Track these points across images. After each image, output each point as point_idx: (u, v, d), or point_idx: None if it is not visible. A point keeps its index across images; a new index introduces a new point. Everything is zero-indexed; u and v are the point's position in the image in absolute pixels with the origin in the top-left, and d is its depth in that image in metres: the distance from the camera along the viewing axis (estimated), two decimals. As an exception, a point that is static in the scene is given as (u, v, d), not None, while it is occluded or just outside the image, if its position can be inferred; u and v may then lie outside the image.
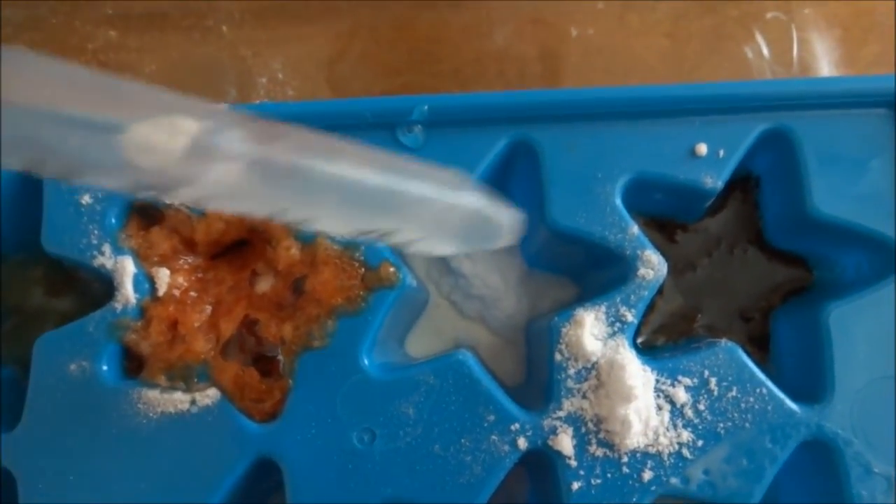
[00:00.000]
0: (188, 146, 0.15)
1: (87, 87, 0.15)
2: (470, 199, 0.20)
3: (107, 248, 0.26)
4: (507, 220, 0.21)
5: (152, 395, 0.25)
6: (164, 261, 0.26)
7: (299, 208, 0.18)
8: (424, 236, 0.20)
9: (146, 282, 0.26)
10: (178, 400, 0.25)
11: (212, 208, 0.17)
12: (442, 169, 0.20)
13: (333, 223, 0.19)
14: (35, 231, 0.26)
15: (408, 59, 0.34)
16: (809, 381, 0.25)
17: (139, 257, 0.26)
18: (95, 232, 0.26)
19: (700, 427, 0.24)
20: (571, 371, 0.25)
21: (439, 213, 0.19)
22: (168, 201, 0.16)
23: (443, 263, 0.30)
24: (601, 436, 0.24)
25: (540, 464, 0.26)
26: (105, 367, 0.25)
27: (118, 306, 0.26)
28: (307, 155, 0.17)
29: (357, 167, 0.18)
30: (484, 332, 0.30)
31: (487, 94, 0.27)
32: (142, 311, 0.26)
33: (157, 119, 0.15)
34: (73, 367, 0.25)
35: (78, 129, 0.14)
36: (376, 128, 0.26)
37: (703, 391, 0.24)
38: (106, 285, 0.26)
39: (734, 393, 0.24)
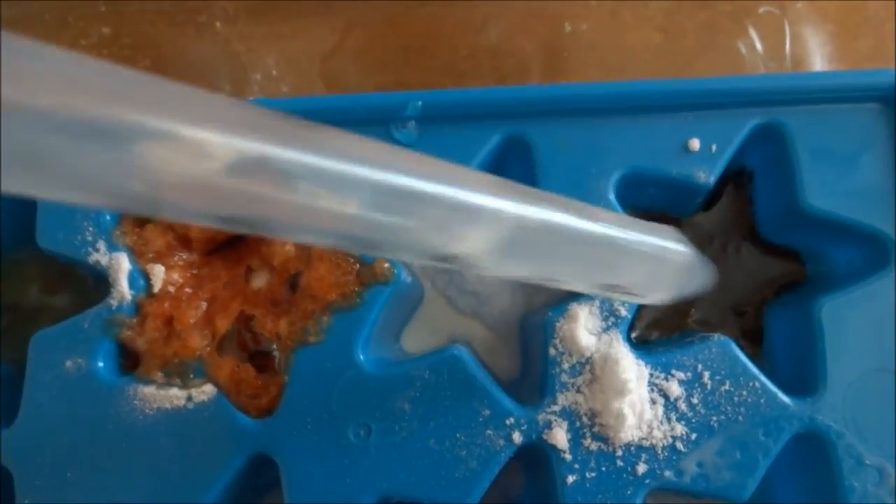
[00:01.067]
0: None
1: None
2: (682, 251, 0.21)
3: (102, 245, 0.26)
4: (707, 269, 0.22)
5: (148, 391, 0.25)
6: (159, 257, 0.26)
7: (550, 268, 0.18)
8: (648, 287, 0.21)
9: (141, 278, 0.26)
10: (174, 396, 0.25)
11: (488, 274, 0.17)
12: (654, 223, 0.21)
13: (572, 280, 0.19)
14: (30, 228, 0.26)
15: (402, 55, 0.34)
16: (802, 375, 0.25)
17: (134, 254, 0.26)
18: (90, 229, 0.26)
19: (693, 420, 0.24)
20: (566, 365, 0.25)
21: (659, 265, 0.20)
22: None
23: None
24: (595, 430, 0.24)
25: (535, 458, 0.26)
26: (101, 364, 0.26)
27: (113, 303, 0.26)
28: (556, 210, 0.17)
29: (591, 222, 0.18)
30: (479, 327, 0.30)
31: (481, 89, 0.27)
32: (137, 308, 0.26)
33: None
34: (68, 363, 0.25)
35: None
36: (370, 123, 0.26)
37: (696, 385, 0.25)
38: (101, 282, 0.26)
39: (727, 386, 0.24)
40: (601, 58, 0.34)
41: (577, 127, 0.26)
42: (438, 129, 0.26)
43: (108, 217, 0.26)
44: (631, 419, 0.24)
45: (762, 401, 0.24)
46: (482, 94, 0.26)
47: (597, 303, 0.25)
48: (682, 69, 0.34)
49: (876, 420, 0.24)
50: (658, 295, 0.21)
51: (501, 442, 0.24)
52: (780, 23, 0.35)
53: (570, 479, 0.24)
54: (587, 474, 0.24)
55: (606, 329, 0.25)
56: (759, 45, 0.34)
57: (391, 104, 0.26)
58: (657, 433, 0.24)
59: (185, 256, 0.27)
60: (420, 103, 0.26)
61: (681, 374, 0.25)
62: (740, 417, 0.24)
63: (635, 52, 0.34)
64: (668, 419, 0.24)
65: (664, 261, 0.20)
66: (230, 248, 0.28)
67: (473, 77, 0.34)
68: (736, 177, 0.29)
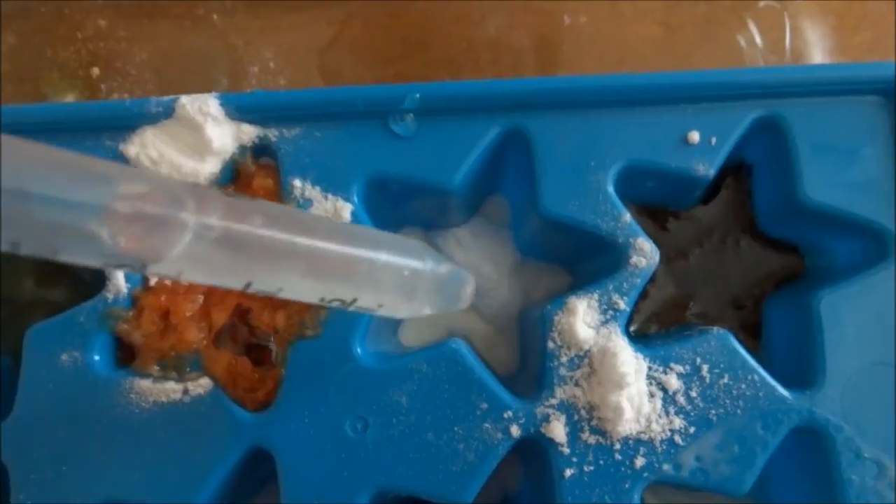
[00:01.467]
0: (159, 223, 0.15)
1: (62, 165, 0.15)
2: (429, 266, 0.21)
3: (98, 238, 0.26)
4: (463, 285, 0.22)
5: (144, 384, 0.25)
6: (155, 250, 0.26)
7: (268, 280, 0.18)
8: (386, 302, 0.21)
9: (137, 271, 0.26)
10: (171, 389, 0.25)
11: (185, 280, 0.17)
12: (403, 237, 0.21)
13: (300, 293, 0.19)
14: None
15: (400, 48, 0.34)
16: (801, 368, 0.25)
17: (130, 247, 0.26)
18: (86, 222, 0.26)
19: (692, 414, 0.24)
20: (564, 359, 0.25)
21: (402, 280, 0.20)
22: (145, 275, 0.17)
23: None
24: (594, 423, 0.24)
25: (533, 451, 0.26)
26: (97, 357, 0.25)
27: (109, 296, 0.26)
28: (273, 228, 0.18)
29: (322, 238, 0.19)
30: (477, 321, 0.30)
31: (479, 82, 0.26)
32: (133, 301, 0.26)
33: (133, 196, 0.15)
34: (64, 357, 0.25)
35: (59, 209, 0.14)
36: (367, 116, 0.26)
37: (695, 378, 0.24)
38: (97, 275, 0.26)
39: (726, 380, 0.24)
40: (600, 51, 0.34)
41: (576, 119, 0.26)
42: (436, 122, 0.26)
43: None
44: (629, 413, 0.24)
45: (761, 394, 0.24)
46: (480, 87, 0.26)
47: (595, 296, 0.25)
48: (681, 63, 0.34)
49: (875, 413, 0.24)
50: (403, 310, 0.21)
51: (499, 435, 0.24)
52: (780, 16, 0.34)
53: (568, 472, 0.24)
54: (585, 468, 0.24)
55: (605, 322, 0.25)
56: (758, 39, 0.34)
57: (389, 97, 0.26)
58: (655, 427, 0.24)
59: (181, 249, 0.27)
60: (418, 96, 0.26)
61: (679, 368, 0.25)
62: (739, 411, 0.24)
63: (635, 45, 0.34)
64: (667, 412, 0.24)
65: (406, 276, 0.20)
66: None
67: (472, 70, 0.34)
68: (735, 170, 0.29)
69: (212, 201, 0.17)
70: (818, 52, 0.34)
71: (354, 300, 0.20)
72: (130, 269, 0.16)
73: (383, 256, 0.20)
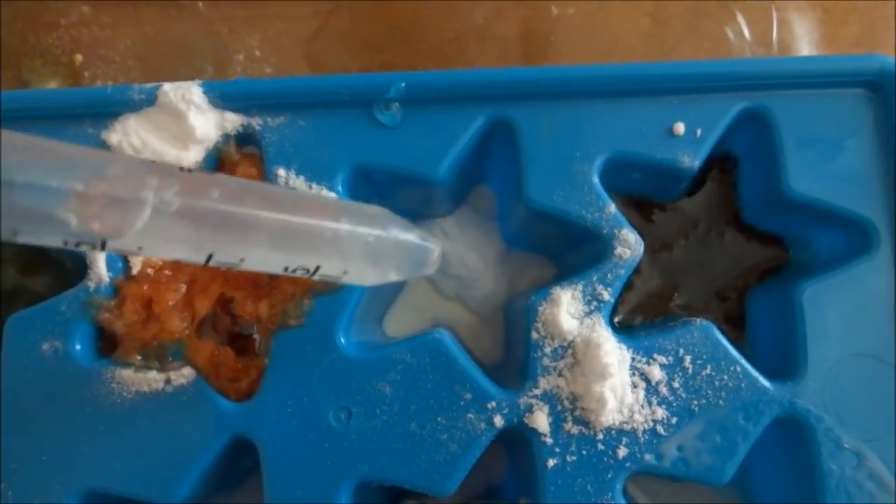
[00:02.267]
0: (117, 201, 0.16)
1: (18, 149, 0.15)
2: (393, 233, 0.21)
3: (79, 227, 0.26)
4: (429, 248, 0.22)
5: (126, 374, 0.25)
6: (137, 239, 0.26)
7: (229, 251, 0.18)
8: (351, 270, 0.21)
9: (120, 260, 0.26)
10: (153, 379, 0.25)
11: (146, 256, 0.18)
12: (366, 205, 0.21)
13: (262, 264, 0.19)
14: (6, 209, 0.26)
15: (387, 38, 0.34)
16: (783, 359, 0.25)
17: (112, 236, 0.26)
18: (67, 210, 0.26)
19: (674, 404, 0.24)
20: (548, 349, 0.25)
21: (364, 245, 0.20)
22: (105, 251, 0.18)
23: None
24: (577, 413, 0.24)
25: (516, 441, 0.26)
26: (78, 347, 0.25)
27: (91, 285, 0.25)
28: (233, 201, 0.18)
29: (282, 210, 0.19)
30: (462, 311, 0.30)
31: (465, 71, 0.26)
32: (115, 290, 0.26)
33: (91, 177, 0.15)
34: (45, 346, 0.25)
35: (17, 192, 0.14)
36: (353, 105, 0.26)
37: (677, 369, 0.25)
38: (79, 264, 0.26)
39: (708, 371, 0.24)
40: (588, 42, 0.34)
41: (562, 110, 0.26)
42: (422, 112, 0.26)
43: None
44: (612, 403, 0.24)
45: (743, 385, 0.24)
46: (466, 76, 0.26)
47: (580, 287, 0.25)
48: (668, 54, 0.34)
49: (855, 404, 0.24)
50: (370, 276, 0.21)
51: (483, 425, 0.24)
52: (767, 8, 0.34)
53: (551, 462, 0.24)
54: (568, 458, 0.24)
55: (589, 313, 0.25)
56: (746, 31, 0.34)
57: (374, 85, 0.26)
58: (638, 417, 0.24)
59: (164, 238, 0.26)
60: (403, 85, 0.26)
61: (662, 359, 0.25)
62: (721, 401, 0.24)
63: (622, 36, 0.34)
64: (649, 403, 0.24)
65: (368, 245, 0.20)
66: (210, 230, 0.27)
67: (459, 61, 0.34)
68: (721, 162, 0.29)
69: (169, 177, 0.17)
70: (805, 44, 0.34)
71: (318, 268, 0.20)
72: (90, 247, 0.16)
73: (346, 225, 0.20)
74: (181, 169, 0.18)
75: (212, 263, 0.18)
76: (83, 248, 0.16)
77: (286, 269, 0.20)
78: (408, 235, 0.21)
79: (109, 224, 0.16)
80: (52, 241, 0.16)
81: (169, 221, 0.17)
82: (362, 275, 0.21)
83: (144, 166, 0.17)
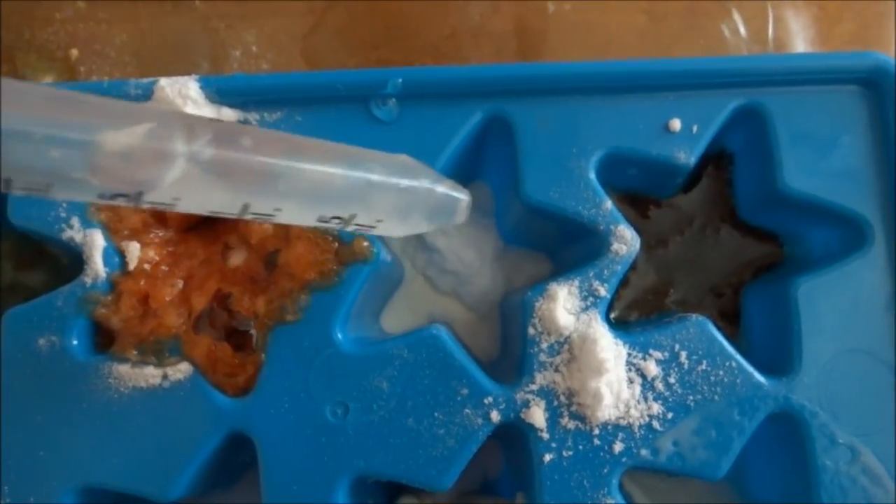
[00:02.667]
0: (150, 152, 0.15)
1: (48, 102, 0.15)
2: (423, 181, 0.21)
3: (76, 222, 0.25)
4: (458, 197, 0.22)
5: (123, 369, 0.25)
6: (134, 234, 0.26)
7: (264, 202, 0.18)
8: (384, 219, 0.21)
9: (116, 255, 0.26)
10: (150, 374, 0.25)
11: (181, 210, 0.17)
12: (396, 154, 0.21)
13: (297, 215, 0.19)
14: (2, 205, 0.26)
15: (384, 34, 0.34)
16: (778, 355, 0.26)
17: (109, 231, 0.26)
18: (64, 205, 0.26)
19: (670, 400, 0.24)
20: (544, 345, 0.25)
21: (396, 195, 0.20)
22: (141, 205, 0.17)
23: (418, 239, 0.30)
24: (573, 409, 0.24)
25: (513, 437, 0.26)
26: (75, 342, 0.25)
27: (88, 280, 0.25)
28: (266, 150, 0.17)
29: (315, 160, 0.18)
30: (459, 307, 0.30)
31: (462, 67, 0.26)
32: (112, 286, 0.26)
33: (122, 128, 0.15)
34: (42, 341, 0.25)
35: (47, 146, 0.14)
36: (349, 101, 0.26)
37: (673, 364, 0.25)
38: (75, 259, 0.26)
39: (704, 366, 0.25)
40: (584, 38, 0.34)
41: (559, 106, 0.26)
42: (419, 107, 0.26)
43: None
44: (608, 398, 0.24)
45: (738, 380, 0.24)
46: (463, 72, 0.26)
47: (576, 283, 0.25)
48: (664, 51, 0.34)
49: (850, 400, 0.24)
50: (400, 226, 0.21)
51: (479, 421, 0.24)
52: (763, 6, 0.35)
53: (548, 457, 0.24)
54: (564, 453, 0.24)
55: (585, 309, 0.25)
56: (742, 28, 0.34)
57: (371, 81, 0.26)
58: (634, 412, 0.24)
59: (161, 233, 0.26)
60: (400, 80, 0.26)
61: (658, 354, 0.25)
62: (716, 397, 0.24)
63: (618, 33, 0.34)
64: (645, 398, 0.24)
65: (400, 191, 0.20)
66: (207, 225, 0.27)
67: (455, 56, 0.34)
68: (716, 158, 0.29)
69: (201, 126, 0.17)
70: (801, 41, 0.34)
71: (353, 216, 0.20)
72: (126, 200, 0.16)
73: (379, 175, 0.20)
74: (211, 120, 0.17)
75: (248, 216, 0.18)
76: (119, 202, 0.16)
77: (321, 217, 0.20)
78: (438, 185, 0.21)
79: (144, 175, 0.15)
80: (87, 195, 0.15)
81: (203, 171, 0.16)
82: (393, 225, 0.21)
83: (176, 116, 0.17)
